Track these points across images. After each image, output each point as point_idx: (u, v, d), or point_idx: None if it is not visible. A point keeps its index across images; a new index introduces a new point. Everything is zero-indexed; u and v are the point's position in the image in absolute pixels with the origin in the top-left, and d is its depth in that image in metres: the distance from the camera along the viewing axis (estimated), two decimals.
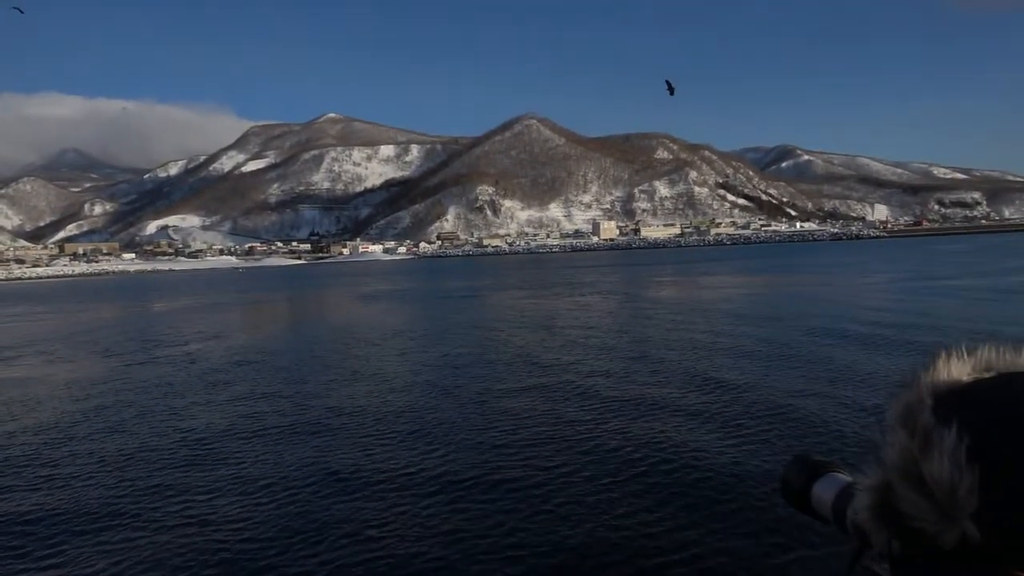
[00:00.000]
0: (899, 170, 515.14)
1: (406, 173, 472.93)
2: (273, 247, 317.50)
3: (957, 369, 0.69)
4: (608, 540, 5.72)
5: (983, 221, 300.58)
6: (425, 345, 18.18)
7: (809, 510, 1.09)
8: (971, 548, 0.58)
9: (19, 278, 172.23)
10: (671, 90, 26.88)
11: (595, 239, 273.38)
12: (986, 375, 0.67)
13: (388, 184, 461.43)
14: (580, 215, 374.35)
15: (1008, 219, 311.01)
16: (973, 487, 0.58)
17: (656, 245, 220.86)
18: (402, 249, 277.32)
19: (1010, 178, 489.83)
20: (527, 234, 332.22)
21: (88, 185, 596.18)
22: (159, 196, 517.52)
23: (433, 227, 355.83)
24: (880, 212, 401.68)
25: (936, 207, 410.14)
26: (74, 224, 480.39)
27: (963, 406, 0.62)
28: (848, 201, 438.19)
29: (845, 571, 0.78)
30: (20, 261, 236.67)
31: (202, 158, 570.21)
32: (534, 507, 6.45)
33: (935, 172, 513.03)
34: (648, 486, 6.85)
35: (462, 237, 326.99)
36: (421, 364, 15.16)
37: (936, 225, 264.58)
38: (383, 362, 15.74)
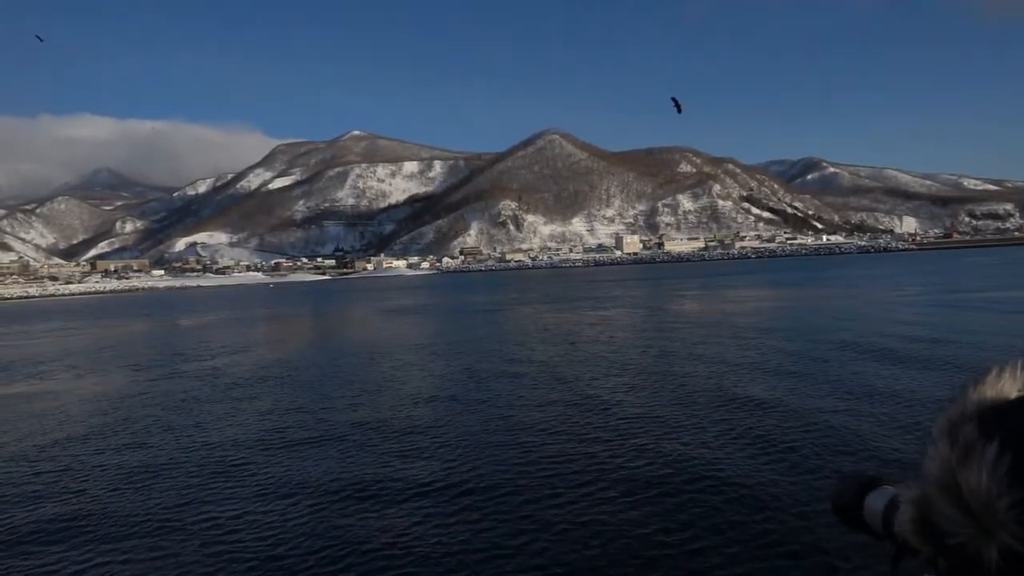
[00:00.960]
0: (928, 182, 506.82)
1: (429, 189, 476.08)
2: (298, 263, 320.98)
3: (1007, 385, 0.68)
4: (641, 556, 5.71)
5: (1016, 233, 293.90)
6: (449, 360, 18.19)
7: (861, 525, 1.08)
8: (1014, 565, 0.57)
9: (52, 294, 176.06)
10: (678, 108, 27.39)
11: (618, 253, 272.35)
12: None
13: (412, 200, 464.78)
14: (603, 229, 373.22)
15: None
16: (1016, 503, 0.56)
17: (680, 259, 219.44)
18: (425, 264, 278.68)
19: None
20: (550, 249, 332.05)
21: (119, 203, 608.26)
22: (188, 214, 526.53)
23: (456, 242, 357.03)
24: (909, 224, 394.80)
25: (967, 219, 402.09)
26: (106, 242, 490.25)
27: (1008, 421, 0.62)
28: (876, 213, 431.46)
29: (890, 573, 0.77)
30: (54, 278, 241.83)
31: (230, 176, 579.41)
32: (564, 521, 6.43)
33: (965, 183, 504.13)
34: (680, 503, 6.83)
35: (485, 252, 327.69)
36: (445, 378, 15.17)
37: (967, 237, 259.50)
38: (408, 376, 15.77)
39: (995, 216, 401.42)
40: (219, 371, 18.32)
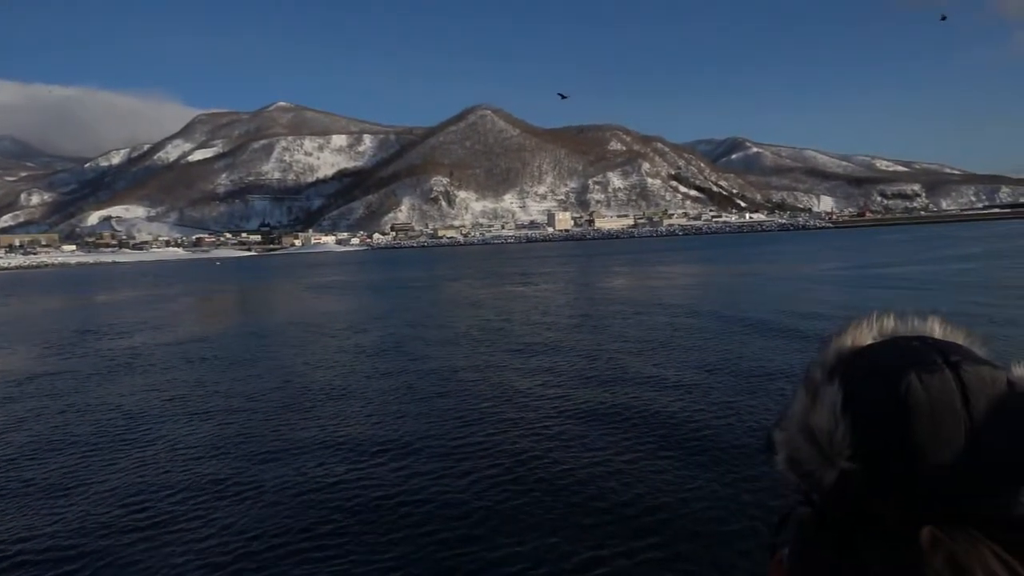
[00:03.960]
0: (844, 163, 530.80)
1: (359, 163, 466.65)
2: (222, 239, 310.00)
3: (863, 335, 0.78)
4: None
5: (922, 212, 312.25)
6: (380, 337, 18.01)
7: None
8: (849, 485, 0.67)
9: None
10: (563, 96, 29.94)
11: (550, 230, 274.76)
12: (880, 339, 0.77)
13: (341, 174, 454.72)
14: (535, 206, 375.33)
15: (945, 210, 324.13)
16: (846, 433, 0.67)
17: (610, 236, 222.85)
18: (355, 240, 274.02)
19: (947, 171, 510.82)
20: (482, 225, 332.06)
21: (24, 174, 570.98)
22: (101, 186, 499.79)
23: (387, 218, 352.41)
24: (826, 203, 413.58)
25: (878, 199, 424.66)
26: (9, 215, 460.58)
27: (849, 364, 0.73)
28: (795, 192, 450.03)
29: (776, 522, 0.82)
30: None
31: (146, 147, 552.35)
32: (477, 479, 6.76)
33: (878, 165, 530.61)
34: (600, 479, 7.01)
35: (417, 228, 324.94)
36: (374, 354, 15.03)
37: (879, 216, 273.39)
38: (338, 353, 15.55)
39: (904, 196, 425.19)
40: (136, 348, 17.59)
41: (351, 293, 36.78)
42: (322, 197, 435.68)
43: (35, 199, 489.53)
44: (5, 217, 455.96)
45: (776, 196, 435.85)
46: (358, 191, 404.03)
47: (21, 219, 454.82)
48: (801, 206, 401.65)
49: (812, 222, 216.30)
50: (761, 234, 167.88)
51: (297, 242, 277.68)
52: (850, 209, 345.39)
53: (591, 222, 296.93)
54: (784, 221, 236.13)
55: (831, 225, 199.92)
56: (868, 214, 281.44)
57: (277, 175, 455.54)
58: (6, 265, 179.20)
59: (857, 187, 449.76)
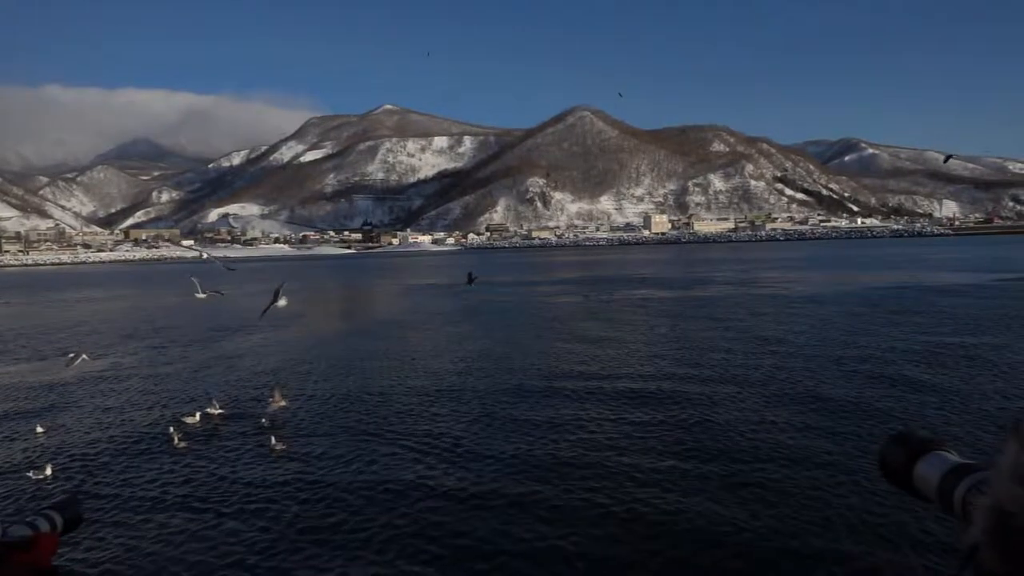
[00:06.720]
0: (971, 165, 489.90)
1: (459, 164, 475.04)
2: (326, 236, 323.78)
3: None
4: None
5: None
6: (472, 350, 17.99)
7: (911, 489, 1.04)
8: None
9: (83, 262, 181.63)
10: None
11: (646, 233, 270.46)
12: None
13: (441, 175, 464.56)
14: (632, 208, 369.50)
15: None
16: None
17: (707, 240, 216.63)
18: (451, 240, 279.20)
19: None
20: (576, 227, 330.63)
21: (157, 174, 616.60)
22: (222, 185, 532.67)
23: (483, 219, 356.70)
24: (949, 208, 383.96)
25: (1010, 204, 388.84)
26: (142, 211, 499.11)
27: None
28: (915, 196, 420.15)
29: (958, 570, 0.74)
30: (87, 245, 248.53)
31: (263, 148, 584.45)
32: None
33: (1010, 167, 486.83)
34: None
35: (511, 229, 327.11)
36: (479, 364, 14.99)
37: (1009, 223, 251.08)
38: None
39: None
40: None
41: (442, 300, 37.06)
42: (422, 197, 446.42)
43: (164, 197, 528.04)
44: (138, 213, 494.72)
45: (893, 200, 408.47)
46: (456, 191, 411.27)
47: (152, 215, 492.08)
48: (921, 211, 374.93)
49: (929, 228, 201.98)
50: (871, 240, 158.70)
51: (395, 241, 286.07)
52: (976, 215, 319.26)
53: (689, 225, 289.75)
54: (899, 227, 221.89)
55: (951, 232, 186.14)
56: (997, 220, 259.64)
57: (381, 175, 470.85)
58: (131, 258, 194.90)
59: (986, 191, 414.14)
